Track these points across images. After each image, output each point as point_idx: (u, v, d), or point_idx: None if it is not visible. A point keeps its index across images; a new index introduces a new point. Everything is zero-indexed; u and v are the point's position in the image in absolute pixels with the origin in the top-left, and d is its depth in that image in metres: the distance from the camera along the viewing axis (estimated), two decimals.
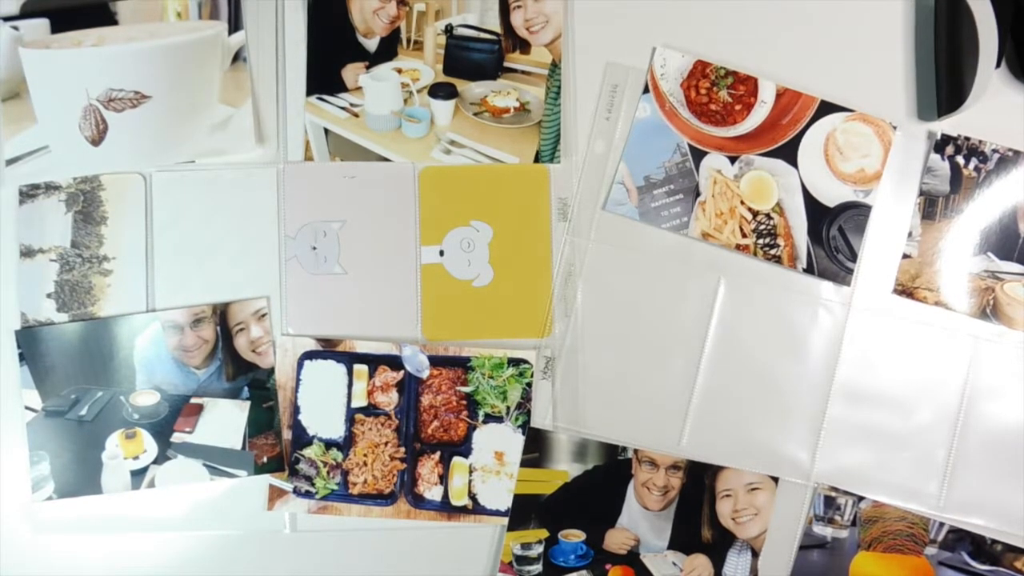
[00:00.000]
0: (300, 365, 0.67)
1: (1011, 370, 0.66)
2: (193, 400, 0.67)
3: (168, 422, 0.67)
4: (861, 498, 0.66)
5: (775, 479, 0.66)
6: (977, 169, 0.66)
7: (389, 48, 0.68)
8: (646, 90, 0.68)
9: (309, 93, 0.68)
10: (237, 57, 0.68)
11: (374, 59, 0.68)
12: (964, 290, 0.66)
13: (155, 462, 0.67)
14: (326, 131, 0.68)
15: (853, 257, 0.67)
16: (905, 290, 0.67)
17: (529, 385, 0.67)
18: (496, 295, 0.67)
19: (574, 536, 0.67)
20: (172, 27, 0.68)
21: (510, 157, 0.68)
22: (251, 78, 0.68)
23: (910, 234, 0.67)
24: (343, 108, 0.68)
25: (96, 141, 0.67)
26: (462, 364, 0.67)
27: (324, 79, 0.68)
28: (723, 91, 0.67)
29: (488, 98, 0.68)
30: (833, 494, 0.66)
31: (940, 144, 0.67)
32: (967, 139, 0.66)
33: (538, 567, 0.67)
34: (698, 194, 0.67)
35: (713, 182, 0.67)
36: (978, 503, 0.66)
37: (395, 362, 0.67)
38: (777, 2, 0.68)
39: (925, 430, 0.66)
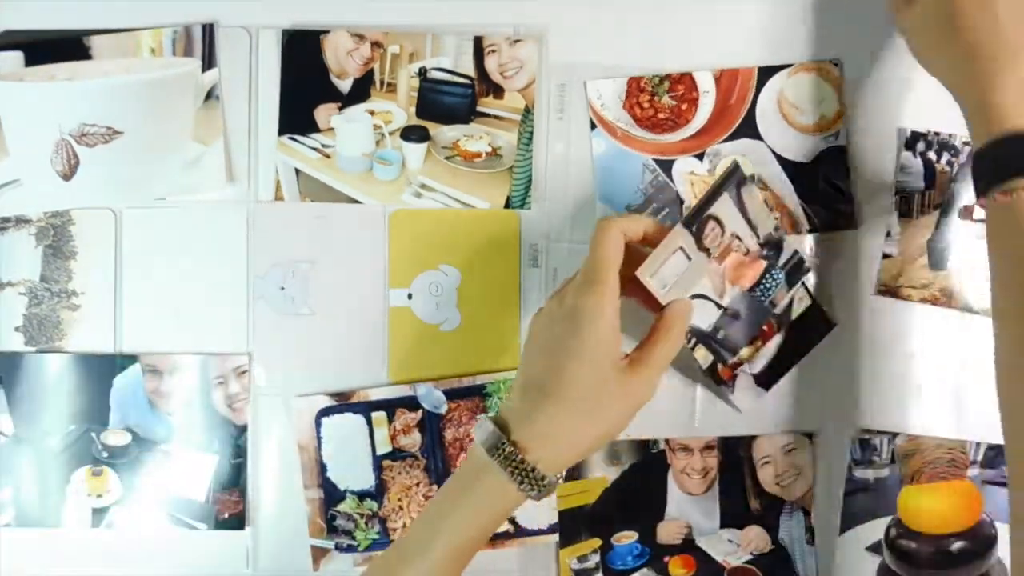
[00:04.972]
0: (318, 423, 0.67)
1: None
2: (163, 446, 0.67)
3: (136, 464, 0.67)
4: (895, 435, 0.67)
5: (809, 435, 0.66)
6: (949, 163, 0.67)
7: (362, 89, 0.68)
8: (593, 126, 0.68)
9: (281, 132, 0.68)
10: (210, 95, 0.68)
11: (347, 100, 0.68)
12: (947, 286, 0.66)
13: (117, 503, 0.67)
14: (297, 171, 0.68)
15: (849, 200, 0.67)
16: (888, 290, 0.67)
17: None
18: (464, 340, 0.67)
19: (627, 538, 0.67)
20: (146, 63, 0.68)
21: (481, 202, 0.68)
22: (223, 116, 0.68)
23: (888, 233, 0.67)
24: (315, 148, 0.68)
25: (67, 176, 0.67)
26: (478, 392, 0.67)
27: (296, 119, 0.68)
28: (664, 97, 0.67)
29: (460, 142, 0.68)
30: (867, 436, 0.67)
31: (910, 141, 0.67)
32: (936, 134, 0.67)
33: None
34: (682, 201, 0.68)
35: (691, 184, 0.67)
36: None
37: (412, 403, 0.67)
38: None
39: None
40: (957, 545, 0.67)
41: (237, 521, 0.67)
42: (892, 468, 0.67)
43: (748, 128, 0.67)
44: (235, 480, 0.67)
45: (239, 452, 0.67)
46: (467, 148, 0.68)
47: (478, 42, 0.68)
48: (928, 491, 0.67)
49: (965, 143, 0.66)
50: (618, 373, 0.53)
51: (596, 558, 0.67)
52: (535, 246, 0.68)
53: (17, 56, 0.68)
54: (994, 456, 0.66)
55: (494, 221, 0.68)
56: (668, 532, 0.67)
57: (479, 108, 0.68)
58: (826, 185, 0.67)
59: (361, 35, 0.68)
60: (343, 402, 0.67)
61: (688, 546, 0.67)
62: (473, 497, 0.53)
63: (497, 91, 0.68)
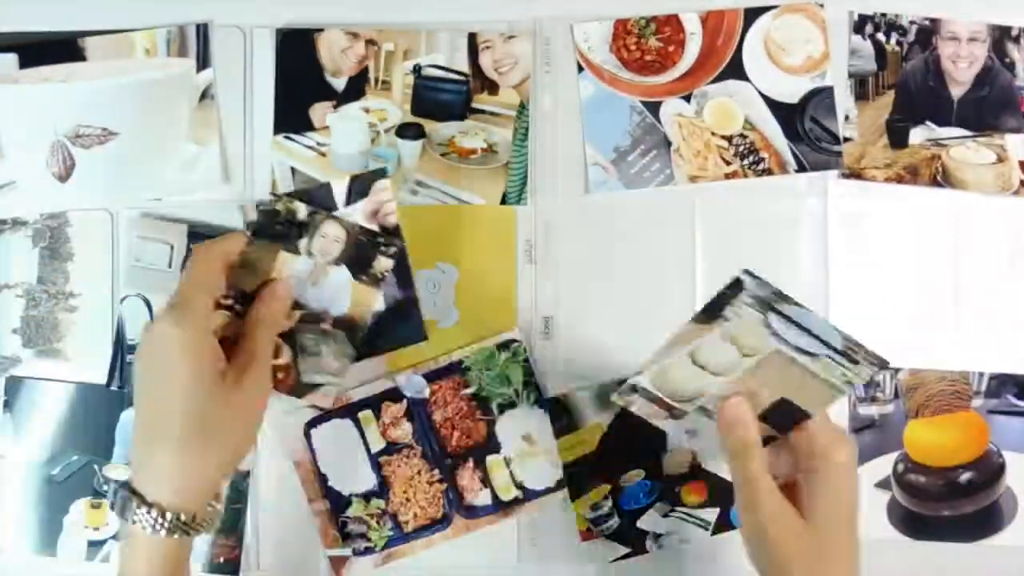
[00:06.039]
0: (308, 436, 0.67)
1: (981, 229, 0.68)
2: None
3: None
4: (897, 370, 0.67)
5: None
6: (899, 43, 0.68)
7: (357, 88, 0.68)
8: (580, 69, 0.68)
9: (276, 131, 0.68)
10: (205, 95, 0.68)
11: (342, 98, 0.68)
12: (911, 163, 0.67)
13: (114, 537, 0.66)
14: (293, 170, 0.68)
15: (837, 140, 0.68)
16: (852, 172, 0.68)
17: (527, 361, 0.67)
18: (462, 336, 0.67)
19: (635, 476, 0.67)
20: (140, 64, 0.68)
21: (477, 198, 0.68)
22: (218, 116, 0.68)
23: (847, 117, 0.68)
24: (310, 147, 0.68)
25: (63, 177, 0.67)
26: (457, 369, 0.67)
27: (291, 118, 0.68)
28: (651, 39, 0.68)
29: (455, 139, 0.68)
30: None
31: (859, 24, 0.68)
32: (883, 15, 0.68)
33: (615, 519, 0.67)
34: (669, 143, 0.68)
35: (679, 126, 0.68)
36: (993, 346, 0.67)
37: (395, 394, 0.67)
38: None
39: (924, 291, 0.68)
40: (966, 476, 0.67)
41: (232, 566, 0.66)
42: (896, 404, 0.67)
43: (735, 69, 0.68)
44: (233, 525, 0.66)
45: (238, 497, 0.66)
46: (462, 145, 0.68)
47: (472, 39, 0.68)
48: (934, 424, 0.67)
49: (912, 21, 0.68)
50: (221, 397, 0.51)
51: (608, 503, 0.67)
52: (531, 242, 0.68)
53: (11, 58, 0.68)
54: (997, 385, 0.67)
55: (490, 217, 0.68)
56: (674, 463, 0.67)
57: (474, 105, 0.68)
58: (814, 125, 0.68)
59: (355, 33, 0.68)
60: (327, 410, 0.67)
61: (697, 472, 0.67)
62: (133, 565, 0.50)
63: (492, 87, 0.68)
